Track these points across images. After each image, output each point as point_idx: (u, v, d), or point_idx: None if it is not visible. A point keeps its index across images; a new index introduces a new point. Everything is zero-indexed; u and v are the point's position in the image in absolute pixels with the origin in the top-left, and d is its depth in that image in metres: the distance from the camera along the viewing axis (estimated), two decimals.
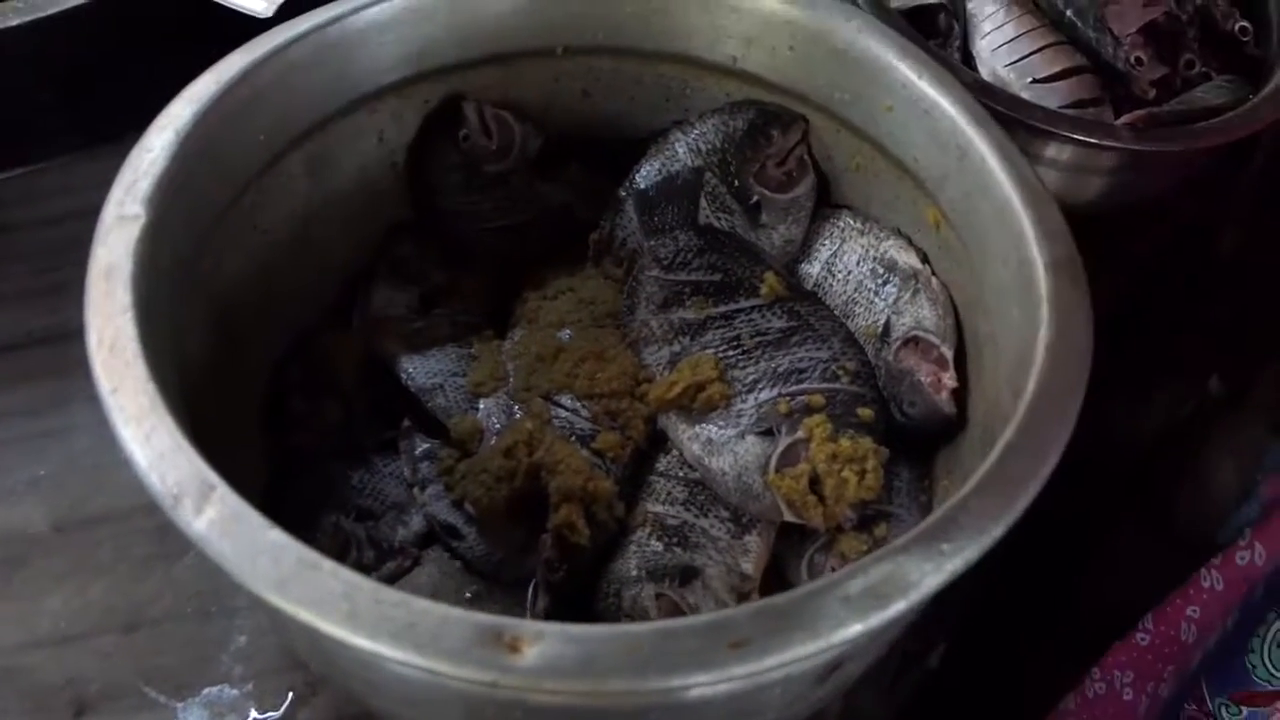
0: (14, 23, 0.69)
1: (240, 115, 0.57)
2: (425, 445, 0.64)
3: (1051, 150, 0.72)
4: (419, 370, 0.65)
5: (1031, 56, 0.79)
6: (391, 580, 0.61)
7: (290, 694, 0.60)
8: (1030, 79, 0.78)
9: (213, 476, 0.44)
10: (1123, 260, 0.76)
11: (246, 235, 0.61)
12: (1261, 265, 0.82)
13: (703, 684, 0.40)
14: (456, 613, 0.40)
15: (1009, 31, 0.80)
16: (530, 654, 0.39)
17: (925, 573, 0.42)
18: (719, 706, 0.44)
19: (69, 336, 0.70)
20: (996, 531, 0.43)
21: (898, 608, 0.41)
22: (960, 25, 0.81)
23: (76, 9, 0.70)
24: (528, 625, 0.40)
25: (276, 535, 0.42)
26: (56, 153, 0.79)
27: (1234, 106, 0.75)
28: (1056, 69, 0.78)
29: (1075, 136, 0.71)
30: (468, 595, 0.62)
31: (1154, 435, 0.71)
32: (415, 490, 0.63)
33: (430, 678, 0.41)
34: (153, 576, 0.63)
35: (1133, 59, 0.77)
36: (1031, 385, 0.47)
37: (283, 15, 0.63)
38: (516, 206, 0.70)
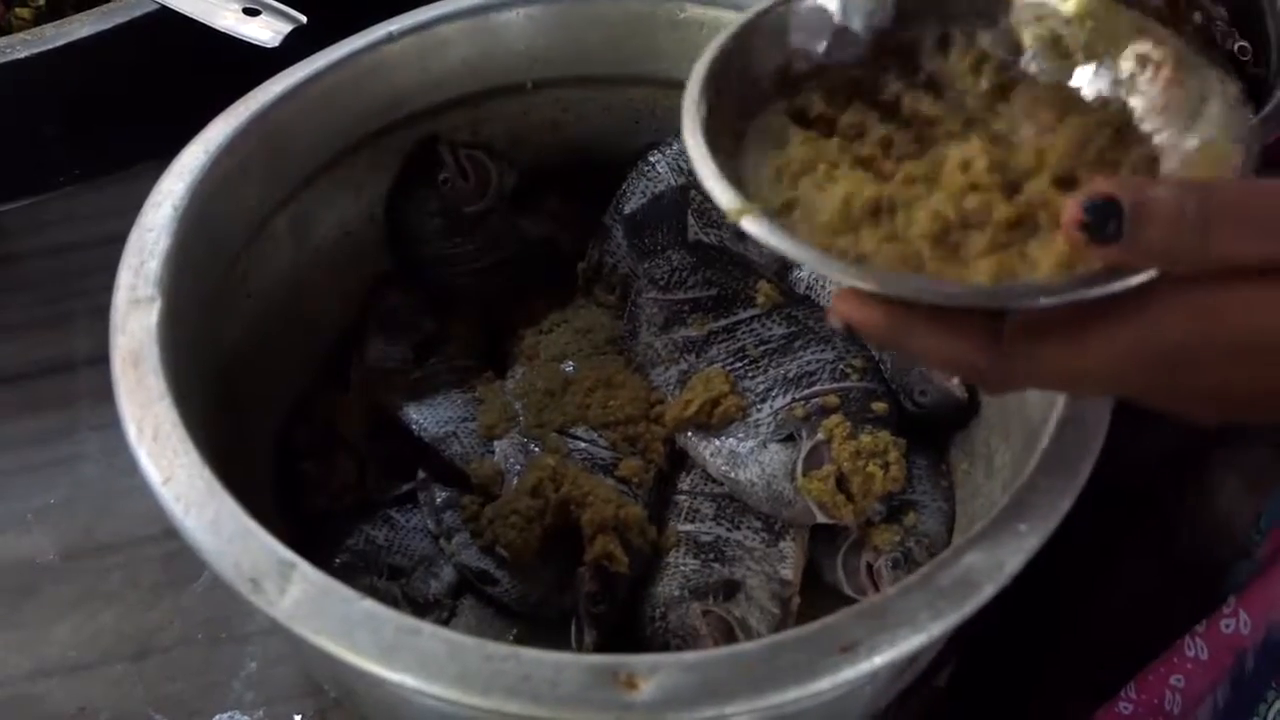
0: (22, 55, 0.70)
1: (230, 183, 0.57)
2: (445, 495, 0.63)
3: None
4: (429, 420, 0.65)
5: None
6: None
7: None
8: None
9: (289, 554, 0.43)
10: None
11: (241, 302, 0.60)
12: None
13: (821, 692, 0.40)
14: (568, 658, 0.40)
15: None
16: (647, 688, 0.39)
17: (1009, 553, 0.43)
18: (820, 712, 0.45)
19: (75, 366, 0.71)
20: (1065, 505, 0.45)
21: (989, 591, 0.42)
22: None
23: (82, 42, 0.70)
24: (641, 659, 0.40)
25: (369, 605, 0.41)
26: (61, 184, 0.78)
27: None
28: None
29: None
30: (510, 638, 0.61)
31: (1158, 456, 0.71)
32: (441, 541, 0.62)
33: None
34: (162, 604, 0.62)
35: None
36: None
37: (287, 45, 0.63)
38: (499, 245, 0.70)
